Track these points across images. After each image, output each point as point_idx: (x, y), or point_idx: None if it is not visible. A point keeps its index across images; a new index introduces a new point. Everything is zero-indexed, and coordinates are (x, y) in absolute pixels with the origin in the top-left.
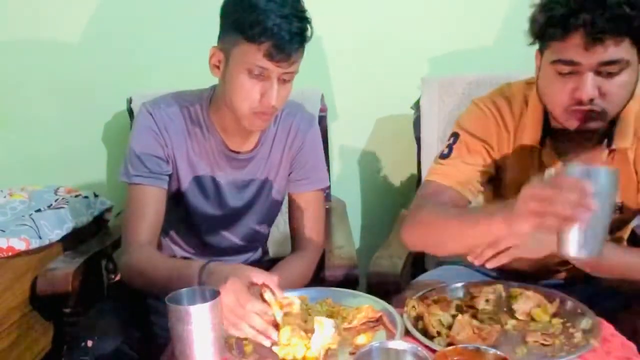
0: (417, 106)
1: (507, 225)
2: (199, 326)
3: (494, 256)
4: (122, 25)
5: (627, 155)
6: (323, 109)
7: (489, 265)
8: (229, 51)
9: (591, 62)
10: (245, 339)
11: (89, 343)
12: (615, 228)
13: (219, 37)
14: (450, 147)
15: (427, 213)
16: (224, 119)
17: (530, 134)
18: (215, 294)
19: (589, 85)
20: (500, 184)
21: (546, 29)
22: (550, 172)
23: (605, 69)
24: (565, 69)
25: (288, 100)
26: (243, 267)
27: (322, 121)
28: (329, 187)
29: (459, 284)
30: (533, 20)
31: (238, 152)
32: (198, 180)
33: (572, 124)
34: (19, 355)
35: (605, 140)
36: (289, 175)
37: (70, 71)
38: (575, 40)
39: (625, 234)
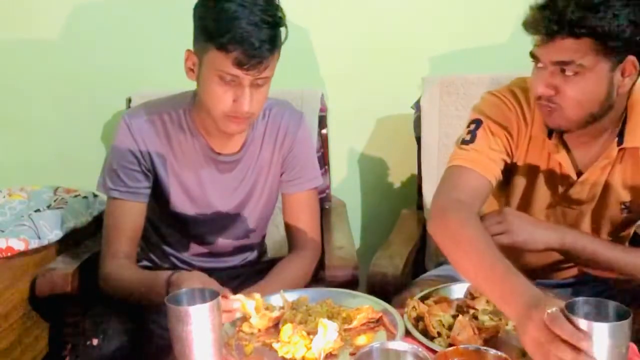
0: (417, 106)
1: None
2: (198, 327)
3: None
4: (121, 24)
5: (638, 154)
6: (323, 109)
7: None
8: (201, 56)
9: (545, 60)
10: (245, 340)
11: (95, 342)
12: (622, 227)
13: (193, 41)
14: (472, 133)
15: (453, 223)
16: (206, 121)
17: (540, 126)
18: (215, 295)
19: (539, 80)
20: (511, 172)
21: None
22: (552, 309)
23: (560, 68)
24: (535, 62)
25: (275, 98)
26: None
27: (322, 121)
28: (328, 187)
29: (460, 284)
30: None
31: (224, 154)
32: (184, 187)
33: (544, 119)
34: (18, 355)
35: (617, 139)
36: (281, 175)
37: (70, 71)
38: (537, 38)
39: (632, 231)
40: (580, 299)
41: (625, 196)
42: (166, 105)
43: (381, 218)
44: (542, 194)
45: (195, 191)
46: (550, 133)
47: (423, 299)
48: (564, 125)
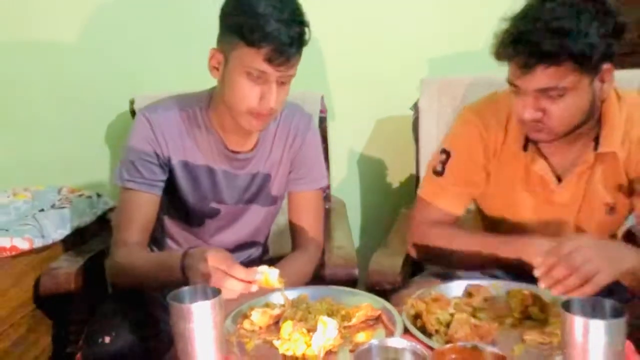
0: (415, 107)
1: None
2: (200, 324)
3: (578, 286)
4: (125, 26)
5: (616, 157)
6: (323, 111)
7: (575, 294)
8: (228, 53)
9: (526, 88)
10: (246, 337)
11: (107, 339)
12: (610, 228)
13: (218, 39)
14: (442, 165)
15: (437, 236)
16: (223, 120)
17: (515, 140)
18: (217, 292)
19: (523, 106)
20: (489, 187)
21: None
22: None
23: (544, 94)
24: (514, 89)
25: (286, 101)
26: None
27: (322, 122)
28: (328, 187)
29: (457, 282)
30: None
31: (238, 152)
32: (197, 183)
33: (530, 135)
34: (22, 353)
35: (593, 144)
36: (289, 174)
37: (74, 72)
38: (514, 67)
39: (619, 233)
40: (576, 297)
41: (609, 198)
42: (183, 103)
43: (381, 218)
44: (526, 202)
45: (207, 187)
46: (525, 146)
47: (421, 297)
48: (550, 139)
